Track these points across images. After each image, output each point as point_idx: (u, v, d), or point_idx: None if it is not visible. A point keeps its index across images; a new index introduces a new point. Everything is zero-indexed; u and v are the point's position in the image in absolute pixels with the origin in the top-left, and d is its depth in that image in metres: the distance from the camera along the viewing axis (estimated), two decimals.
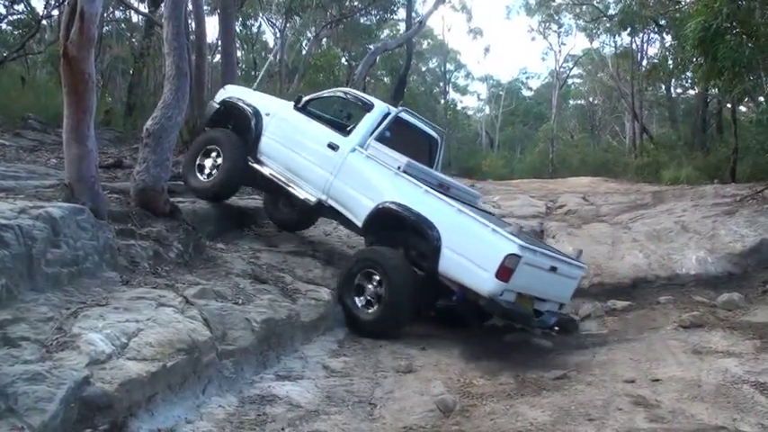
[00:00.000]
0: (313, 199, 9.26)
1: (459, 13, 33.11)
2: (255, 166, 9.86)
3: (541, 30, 39.28)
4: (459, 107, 52.23)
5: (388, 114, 9.40)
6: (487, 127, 53.59)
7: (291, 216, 10.88)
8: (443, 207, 8.17)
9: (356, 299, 8.35)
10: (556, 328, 8.67)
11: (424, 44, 43.65)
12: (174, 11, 8.79)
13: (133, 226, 7.71)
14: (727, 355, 7.22)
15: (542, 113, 50.26)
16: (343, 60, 31.26)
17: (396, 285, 7.99)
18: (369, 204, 8.63)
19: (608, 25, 29.83)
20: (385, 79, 35.97)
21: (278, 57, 32.00)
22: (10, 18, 25.89)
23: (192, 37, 15.85)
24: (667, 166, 22.04)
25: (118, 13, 30.58)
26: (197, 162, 10.23)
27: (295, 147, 9.58)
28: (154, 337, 5.40)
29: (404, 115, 9.83)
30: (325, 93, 10.63)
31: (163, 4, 19.24)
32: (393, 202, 8.44)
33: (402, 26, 31.97)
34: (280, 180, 9.63)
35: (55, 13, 25.68)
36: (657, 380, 6.49)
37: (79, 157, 7.18)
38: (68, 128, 7.21)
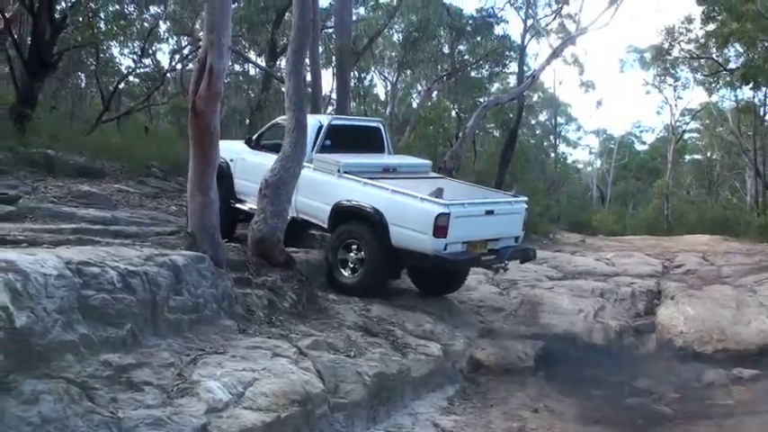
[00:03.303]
0: (288, 218, 10.29)
1: (571, 66, 32.64)
2: (238, 205, 11.18)
3: (656, 83, 38.19)
4: (569, 160, 51.43)
5: (321, 127, 10.60)
6: (598, 181, 52.49)
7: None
8: (380, 192, 9.52)
9: (340, 265, 9.65)
10: (506, 261, 9.84)
11: (535, 97, 43.28)
12: (295, 66, 9.11)
13: (249, 275, 7.91)
14: None
15: (657, 168, 48.82)
16: (453, 113, 31.40)
17: (373, 255, 9.35)
18: (327, 208, 9.91)
19: (728, 79, 28.81)
20: (495, 132, 35.86)
21: (389, 109, 32.51)
22: (138, 71, 27.16)
23: (308, 90, 16.31)
24: None
25: (237, 67, 31.75)
26: None
27: (260, 179, 10.46)
28: (269, 387, 5.48)
29: (335, 122, 11.02)
30: (266, 126, 11.92)
31: (283, 59, 19.92)
32: (343, 200, 9.76)
33: (513, 79, 31.94)
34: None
35: (179, 66, 27.09)
36: None
37: (202, 206, 7.45)
38: (193, 179, 7.51)
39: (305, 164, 10.16)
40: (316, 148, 10.39)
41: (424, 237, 8.95)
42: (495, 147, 31.58)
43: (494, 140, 34.87)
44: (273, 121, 12.15)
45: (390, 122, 29.69)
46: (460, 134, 23.55)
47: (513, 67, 29.83)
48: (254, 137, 11.61)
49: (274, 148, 10.84)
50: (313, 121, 10.75)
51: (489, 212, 9.56)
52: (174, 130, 23.60)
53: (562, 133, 49.85)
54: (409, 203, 9.25)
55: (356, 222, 9.59)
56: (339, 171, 9.94)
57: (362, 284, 9.52)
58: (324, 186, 10.03)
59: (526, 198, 10.54)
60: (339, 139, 10.71)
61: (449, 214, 8.88)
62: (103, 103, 22.40)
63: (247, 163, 11.24)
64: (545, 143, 46.10)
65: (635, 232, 30.18)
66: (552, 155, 44.41)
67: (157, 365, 5.25)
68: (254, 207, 10.73)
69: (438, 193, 9.03)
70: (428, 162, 11.91)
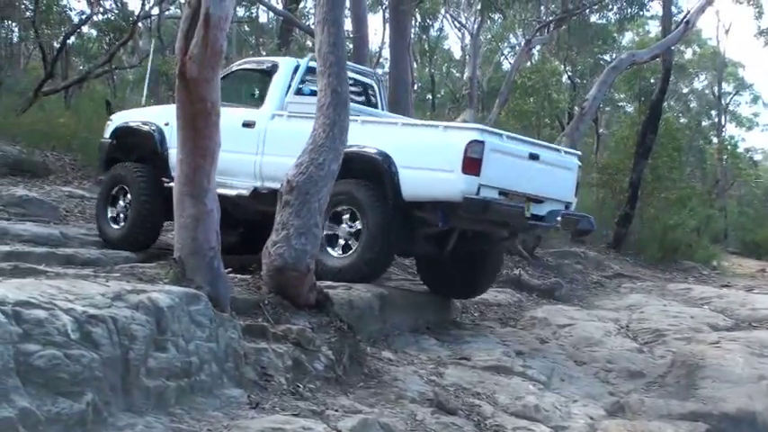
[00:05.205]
0: (246, 191, 11.28)
1: (743, 5, 31.80)
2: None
3: None
4: (740, 149, 50.72)
5: (297, 67, 11.62)
6: None
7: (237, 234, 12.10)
8: (385, 128, 10.80)
9: (327, 242, 10.31)
10: (558, 221, 10.65)
11: (688, 53, 42.97)
12: (331, 11, 9.06)
13: (265, 322, 7.92)
14: None
15: None
16: (565, 78, 31.23)
17: (375, 220, 10.09)
18: None
19: None
20: (628, 107, 35.57)
21: (467, 73, 32.45)
22: (95, 19, 27.14)
23: (349, 45, 16.42)
24: None
25: (241, 11, 31.76)
26: (107, 207, 12.11)
27: None
28: None
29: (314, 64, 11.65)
30: (221, 74, 12.08)
31: (310, 1, 19.98)
32: None
33: (654, 26, 31.72)
34: None
35: (155, 11, 27.29)
36: None
37: (195, 219, 7.48)
38: (182, 177, 7.56)
39: (275, 113, 11.18)
40: (291, 91, 11.41)
41: (449, 176, 9.79)
42: (628, 129, 31.27)
43: (627, 119, 34.61)
44: (230, 67, 12.87)
45: (470, 92, 29.63)
46: (576, 110, 23.39)
47: (656, 7, 29.64)
48: None
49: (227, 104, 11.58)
50: (288, 61, 11.89)
51: (534, 157, 10.47)
52: (150, 106, 23.80)
53: (730, 108, 49.29)
54: (427, 134, 10.69)
55: (350, 179, 10.20)
56: None
57: (359, 266, 10.25)
58: (304, 137, 10.13)
59: (579, 153, 11.98)
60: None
61: (483, 143, 9.71)
62: (45, 66, 22.71)
63: None
64: (704, 123, 45.66)
65: None
66: (715, 140, 43.96)
67: None
68: None
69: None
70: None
